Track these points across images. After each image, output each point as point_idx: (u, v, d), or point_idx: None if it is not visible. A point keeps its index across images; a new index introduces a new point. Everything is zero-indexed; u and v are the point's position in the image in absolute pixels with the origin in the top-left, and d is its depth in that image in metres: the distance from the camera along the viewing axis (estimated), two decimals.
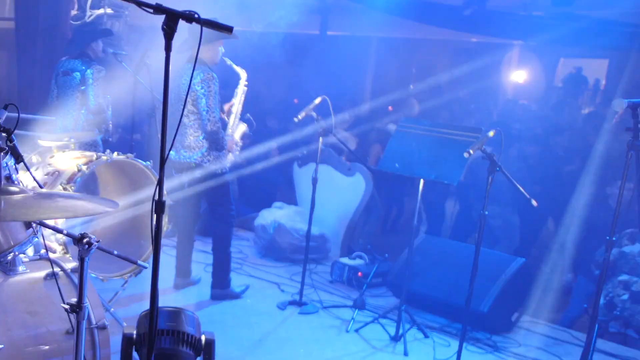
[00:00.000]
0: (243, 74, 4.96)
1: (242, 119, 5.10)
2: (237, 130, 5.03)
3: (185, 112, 4.53)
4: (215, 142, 4.59)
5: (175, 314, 2.49)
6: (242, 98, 5.02)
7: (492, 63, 11.31)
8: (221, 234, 4.86)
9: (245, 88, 5.00)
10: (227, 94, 5.08)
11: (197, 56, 2.33)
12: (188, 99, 4.48)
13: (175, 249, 5.06)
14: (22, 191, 2.11)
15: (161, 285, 2.00)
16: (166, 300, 4.49)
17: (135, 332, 2.42)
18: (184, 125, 4.59)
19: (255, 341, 4.22)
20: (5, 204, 2.00)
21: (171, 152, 4.58)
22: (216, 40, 4.55)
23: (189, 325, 2.48)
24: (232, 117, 4.99)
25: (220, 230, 4.86)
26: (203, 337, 2.48)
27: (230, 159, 4.88)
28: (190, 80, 2.35)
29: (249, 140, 5.63)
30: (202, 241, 5.34)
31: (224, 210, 4.81)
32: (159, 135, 1.99)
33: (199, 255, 5.28)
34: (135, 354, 2.46)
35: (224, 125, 4.86)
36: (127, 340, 2.39)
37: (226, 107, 5.01)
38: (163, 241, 2.06)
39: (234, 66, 4.91)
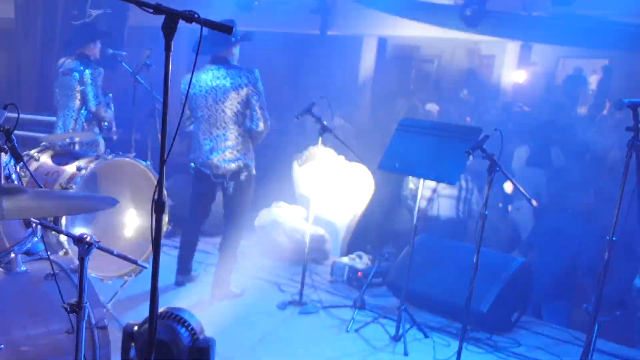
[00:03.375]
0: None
1: None
2: None
3: (229, 115, 4.53)
4: (258, 141, 4.68)
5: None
6: None
7: (491, 63, 11.32)
8: (236, 236, 4.85)
9: None
10: None
11: (197, 57, 2.32)
12: (233, 102, 4.50)
13: (178, 248, 5.07)
14: (21, 190, 2.11)
15: (161, 284, 2.00)
16: (166, 299, 4.49)
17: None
18: (226, 129, 4.55)
19: (255, 341, 4.22)
20: (5, 203, 1.99)
21: (211, 156, 4.57)
22: (239, 43, 4.59)
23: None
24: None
25: (236, 232, 4.85)
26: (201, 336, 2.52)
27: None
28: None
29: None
30: (202, 241, 5.34)
31: (246, 214, 4.82)
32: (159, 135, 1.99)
33: (200, 255, 5.28)
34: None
35: None
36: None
37: None
38: (163, 241, 2.06)
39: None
